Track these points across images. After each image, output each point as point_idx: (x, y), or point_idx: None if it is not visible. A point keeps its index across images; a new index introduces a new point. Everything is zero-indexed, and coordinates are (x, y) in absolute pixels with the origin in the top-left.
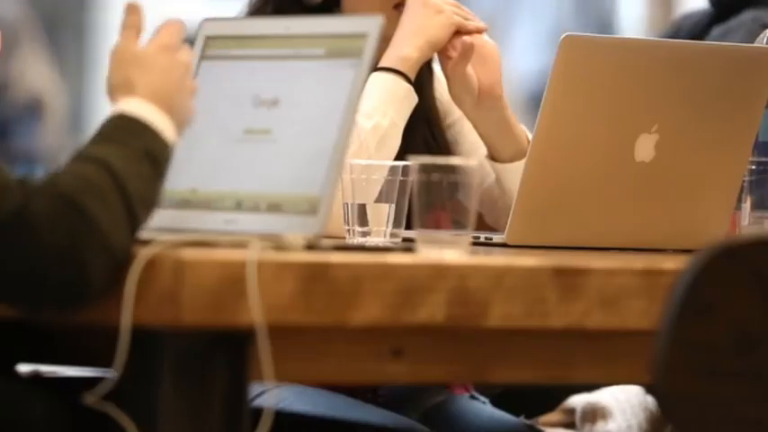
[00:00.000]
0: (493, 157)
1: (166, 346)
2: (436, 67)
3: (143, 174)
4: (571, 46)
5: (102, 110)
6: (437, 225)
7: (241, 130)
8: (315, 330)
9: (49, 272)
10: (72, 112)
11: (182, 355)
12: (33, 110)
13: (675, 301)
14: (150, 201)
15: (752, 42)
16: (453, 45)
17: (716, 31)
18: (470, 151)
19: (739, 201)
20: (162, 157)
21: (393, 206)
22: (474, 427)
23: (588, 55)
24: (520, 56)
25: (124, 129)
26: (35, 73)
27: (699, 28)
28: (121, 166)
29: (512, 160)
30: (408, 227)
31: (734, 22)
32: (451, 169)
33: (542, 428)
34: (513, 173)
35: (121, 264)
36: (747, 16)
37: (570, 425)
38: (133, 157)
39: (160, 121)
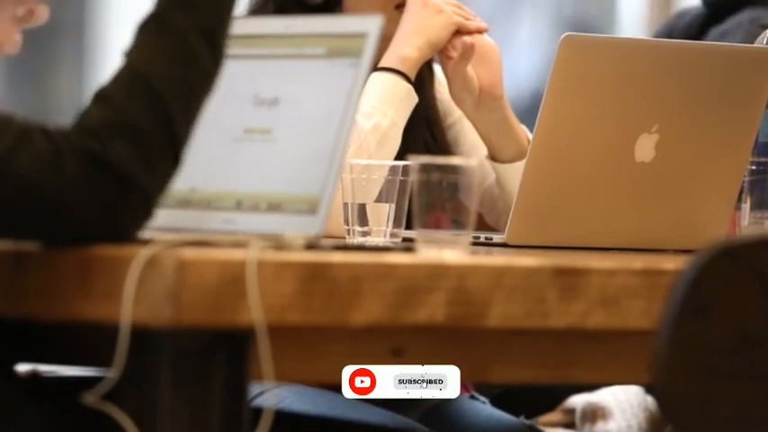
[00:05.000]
0: (493, 157)
1: (166, 346)
2: (436, 67)
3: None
4: (571, 46)
5: None
6: (437, 225)
7: (241, 129)
8: (315, 330)
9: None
10: (73, 106)
11: (181, 355)
12: None
13: (675, 301)
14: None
15: (750, 43)
16: (454, 45)
17: (713, 33)
18: (471, 151)
19: (739, 201)
20: None
21: (393, 206)
22: (474, 427)
23: (588, 55)
24: (520, 56)
25: None
26: None
27: (693, 29)
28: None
29: (512, 160)
30: (408, 227)
31: (731, 23)
32: (451, 169)
33: (542, 428)
34: (514, 173)
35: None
36: (745, 17)
37: (570, 425)
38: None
39: None
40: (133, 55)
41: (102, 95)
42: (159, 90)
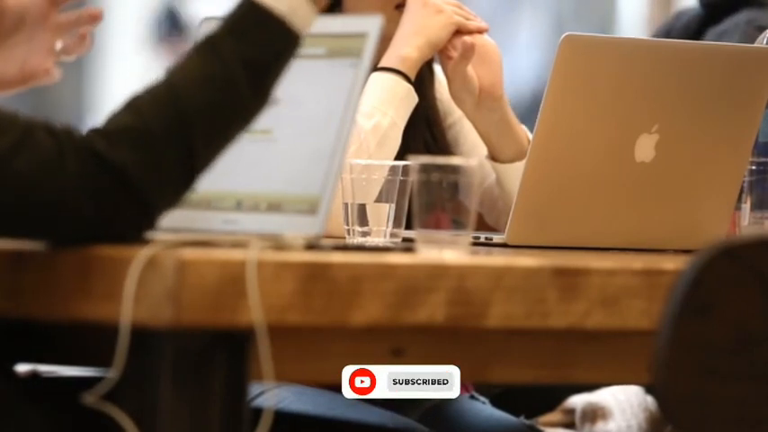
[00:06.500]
0: (493, 157)
1: (166, 346)
2: (436, 67)
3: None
4: (571, 46)
5: (102, 104)
6: (437, 225)
7: None
8: (315, 330)
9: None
10: (73, 106)
11: (181, 355)
12: None
13: (675, 301)
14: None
15: (747, 44)
16: (454, 45)
17: (710, 33)
18: (471, 151)
19: (739, 201)
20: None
21: (393, 206)
22: (474, 427)
23: (588, 55)
24: (520, 56)
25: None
26: None
27: (691, 29)
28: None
29: (512, 161)
30: (408, 227)
31: (728, 24)
32: (451, 169)
33: (542, 428)
34: (514, 173)
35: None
36: (742, 18)
37: (570, 425)
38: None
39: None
40: (173, 70)
41: (132, 102)
42: (186, 108)
